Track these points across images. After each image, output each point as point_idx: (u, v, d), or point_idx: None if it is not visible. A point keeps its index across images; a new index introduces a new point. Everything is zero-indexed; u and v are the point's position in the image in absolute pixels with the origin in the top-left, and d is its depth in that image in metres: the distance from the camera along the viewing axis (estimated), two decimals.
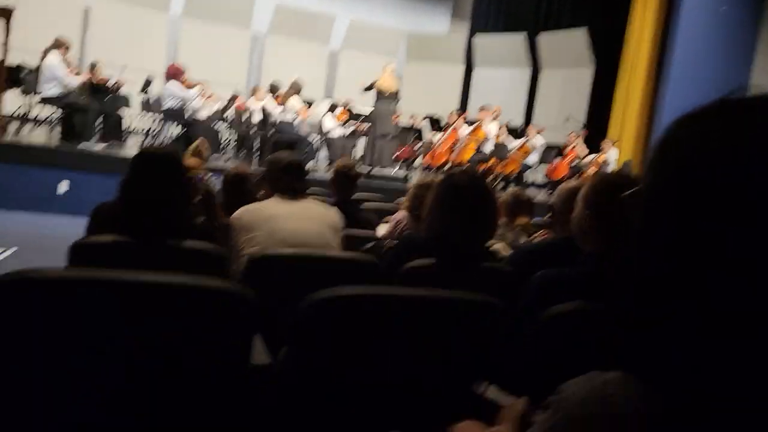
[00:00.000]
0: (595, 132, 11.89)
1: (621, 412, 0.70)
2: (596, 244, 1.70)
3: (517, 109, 14.37)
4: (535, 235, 3.09)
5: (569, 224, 2.26)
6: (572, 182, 2.65)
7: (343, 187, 3.88)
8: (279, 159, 2.78)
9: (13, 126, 8.63)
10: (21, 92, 9.15)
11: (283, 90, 9.74)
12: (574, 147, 11.33)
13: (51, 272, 1.28)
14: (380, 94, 9.17)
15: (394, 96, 9.31)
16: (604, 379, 0.73)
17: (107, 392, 1.40)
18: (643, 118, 11.76)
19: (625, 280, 0.72)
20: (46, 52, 7.98)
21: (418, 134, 11.69)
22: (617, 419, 0.70)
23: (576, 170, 11.19)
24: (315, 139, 10.29)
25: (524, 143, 10.88)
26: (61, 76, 7.91)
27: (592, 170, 10.89)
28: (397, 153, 11.22)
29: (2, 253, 5.30)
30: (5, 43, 8.25)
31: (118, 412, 1.42)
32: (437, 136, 11.57)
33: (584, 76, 13.52)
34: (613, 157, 11.05)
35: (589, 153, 11.36)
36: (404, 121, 11.35)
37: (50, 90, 7.99)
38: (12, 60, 8.50)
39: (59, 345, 1.32)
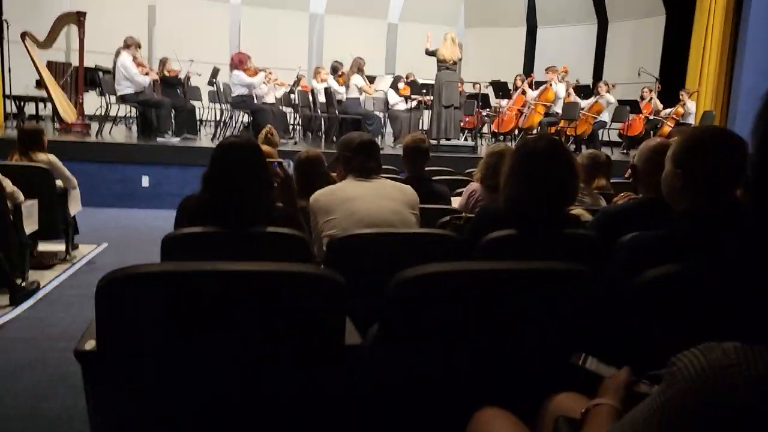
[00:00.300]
0: (670, 84, 11.34)
1: (743, 383, 0.67)
2: (690, 203, 1.62)
3: (586, 67, 13.88)
4: (618, 197, 2.98)
5: (655, 184, 2.18)
6: (654, 140, 2.54)
7: (414, 162, 3.87)
8: (351, 139, 2.79)
9: (94, 126, 9.04)
10: (98, 93, 9.57)
11: (345, 69, 9.76)
12: (648, 102, 10.86)
13: (153, 267, 1.35)
14: (442, 64, 9.04)
15: (456, 65, 9.15)
16: (723, 349, 0.70)
17: (210, 376, 1.46)
18: (723, 66, 11.08)
19: (740, 240, 0.69)
20: (118, 53, 8.27)
21: (483, 101, 11.49)
22: (739, 390, 0.67)
23: (653, 125, 10.74)
24: (380, 115, 10.29)
25: (595, 102, 10.51)
26: (132, 75, 8.20)
27: (670, 124, 10.43)
28: (464, 122, 11.07)
29: (95, 249, 5.60)
30: (81, 48, 8.64)
31: (222, 396, 1.48)
32: (503, 102, 11.34)
33: (656, 26, 12.88)
34: (692, 109, 10.52)
35: (665, 107, 10.86)
36: (468, 89, 11.16)
37: (125, 89, 8.30)
38: (87, 63, 8.90)
39: (165, 333, 1.39)
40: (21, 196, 4.36)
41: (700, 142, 1.63)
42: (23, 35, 8.74)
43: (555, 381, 1.38)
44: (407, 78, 10.82)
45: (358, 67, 9.58)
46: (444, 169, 6.10)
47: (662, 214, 1.84)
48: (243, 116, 10.21)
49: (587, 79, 12.84)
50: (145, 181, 7.67)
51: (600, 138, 10.71)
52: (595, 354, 1.33)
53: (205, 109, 11.24)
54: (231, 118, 10.26)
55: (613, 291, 1.65)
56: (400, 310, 1.50)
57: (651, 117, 10.75)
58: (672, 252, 1.57)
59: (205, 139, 9.36)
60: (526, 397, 1.35)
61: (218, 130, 9.82)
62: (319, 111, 10.10)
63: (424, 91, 10.02)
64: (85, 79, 9.04)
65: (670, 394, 0.73)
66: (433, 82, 9.38)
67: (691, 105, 10.53)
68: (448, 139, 9.32)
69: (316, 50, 14.97)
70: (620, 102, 10.88)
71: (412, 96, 10.26)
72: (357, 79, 9.50)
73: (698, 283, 1.41)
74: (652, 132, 10.58)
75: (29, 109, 9.96)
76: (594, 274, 1.62)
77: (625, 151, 10.76)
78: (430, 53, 9.11)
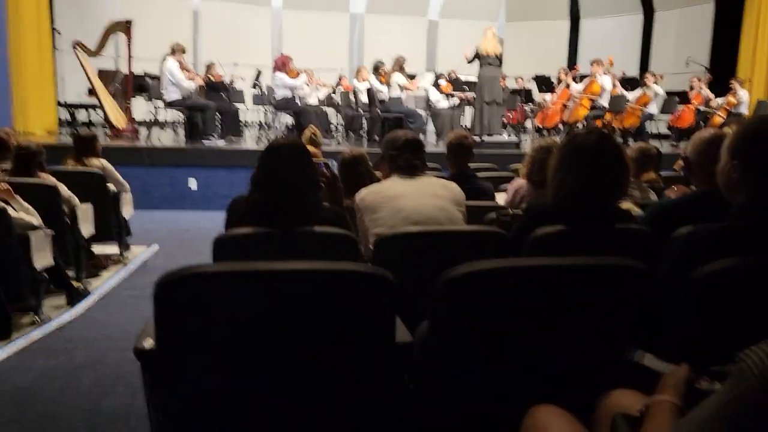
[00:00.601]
0: (721, 74, 10.98)
1: None
2: (748, 195, 1.58)
3: (632, 58, 13.58)
4: (671, 190, 2.91)
5: (710, 176, 2.12)
6: (707, 130, 2.47)
7: (459, 159, 3.85)
8: (396, 137, 2.79)
9: (143, 131, 9.29)
10: (146, 99, 9.83)
11: (386, 67, 9.78)
12: (698, 92, 10.55)
13: (209, 267, 1.38)
14: (484, 60, 8.96)
15: (498, 60, 9.06)
16: None
17: (264, 373, 1.49)
18: None
19: None
20: (164, 59, 8.47)
21: (526, 96, 11.35)
22: None
23: (703, 116, 10.43)
24: (422, 113, 10.27)
25: (642, 93, 10.27)
26: (178, 80, 8.38)
27: (721, 115, 10.10)
28: (507, 118, 10.96)
29: (147, 250, 5.75)
30: (129, 56, 8.88)
31: (275, 393, 1.51)
32: (547, 96, 11.18)
33: (704, 14, 12.52)
34: (744, 98, 10.17)
35: (716, 96, 10.52)
36: (511, 84, 11.04)
37: (171, 94, 8.50)
38: (135, 69, 9.15)
39: (221, 331, 1.42)
40: (76, 200, 4.52)
41: (758, 132, 1.57)
42: (74, 44, 9.04)
43: (610, 377, 1.36)
44: (449, 75, 10.77)
45: (399, 65, 9.59)
46: (487, 165, 6.05)
47: (717, 207, 1.79)
48: (286, 118, 10.34)
49: (633, 71, 12.56)
50: (193, 184, 7.84)
51: (648, 130, 10.46)
52: (651, 350, 1.31)
53: (248, 111, 11.42)
54: (274, 119, 10.40)
55: (669, 285, 1.62)
56: (450, 308, 1.49)
57: (701, 108, 10.43)
58: (730, 245, 1.53)
59: (249, 140, 9.51)
60: (581, 394, 1.33)
61: (262, 132, 9.96)
62: (360, 110, 10.14)
63: (466, 88, 9.96)
64: (134, 85, 9.29)
65: (740, 390, 0.72)
66: (474, 78, 9.31)
67: (743, 94, 10.18)
68: (491, 135, 9.24)
69: (357, 50, 15.04)
70: (668, 93, 10.60)
71: (454, 93, 10.20)
72: (398, 78, 9.50)
73: (759, 277, 1.37)
74: (702, 123, 10.27)
75: (81, 116, 10.29)
76: (650, 270, 1.59)
77: (674, 143, 10.49)
78: (472, 60, 9.03)
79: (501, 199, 3.74)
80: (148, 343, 1.53)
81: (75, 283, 4.33)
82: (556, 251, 2.02)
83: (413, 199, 2.60)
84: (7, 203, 3.63)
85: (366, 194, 2.66)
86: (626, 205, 2.97)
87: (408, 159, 2.71)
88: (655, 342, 1.47)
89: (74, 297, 4.18)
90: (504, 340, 1.49)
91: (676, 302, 1.53)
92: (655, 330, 1.57)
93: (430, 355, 1.57)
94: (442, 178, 3.12)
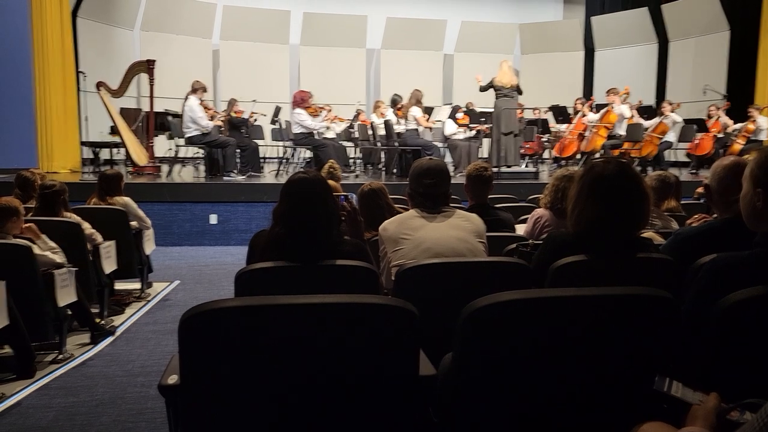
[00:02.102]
0: (739, 101, 10.95)
1: None
2: None
3: (648, 87, 13.61)
4: (692, 219, 2.89)
5: (731, 204, 2.11)
6: (727, 158, 2.45)
7: (478, 190, 3.85)
8: (418, 166, 2.80)
9: (164, 168, 9.44)
10: (168, 137, 10.01)
11: (403, 101, 9.89)
12: (716, 120, 10.51)
13: (232, 302, 1.39)
14: (500, 91, 9.03)
15: (515, 91, 9.12)
16: None
17: (288, 407, 1.48)
18: None
19: None
20: (186, 97, 8.65)
21: (543, 127, 11.38)
22: None
23: (722, 144, 10.37)
24: (439, 145, 10.33)
25: (660, 122, 10.25)
26: (197, 119, 8.53)
27: (741, 142, 10.04)
28: (524, 149, 10.98)
29: (168, 286, 5.80)
30: (151, 94, 9.08)
31: (299, 427, 1.50)
32: (563, 127, 11.20)
33: (720, 42, 12.54)
34: (763, 125, 10.10)
35: (735, 123, 10.48)
36: (528, 115, 11.08)
37: (192, 131, 8.65)
38: (156, 107, 9.34)
39: (246, 365, 1.42)
40: (99, 238, 4.58)
41: None
42: (98, 85, 9.27)
43: (639, 409, 1.34)
44: (466, 107, 10.85)
45: (416, 99, 9.69)
46: (506, 196, 6.05)
47: (740, 236, 1.77)
48: (305, 152, 10.45)
49: (650, 100, 12.56)
50: (214, 219, 7.92)
51: (666, 158, 10.41)
52: (680, 379, 1.29)
53: (268, 147, 11.58)
54: (293, 154, 10.51)
55: (695, 314, 1.60)
56: (473, 340, 1.49)
57: (720, 135, 10.38)
58: (755, 274, 1.51)
59: (269, 176, 9.62)
60: (609, 427, 1.31)
61: (281, 167, 10.07)
62: (378, 144, 10.23)
63: (483, 119, 10.02)
64: (156, 123, 9.48)
65: None
66: (491, 110, 9.37)
67: (762, 121, 10.12)
68: (509, 167, 9.25)
69: (374, 84, 15.25)
70: (686, 121, 10.57)
71: (471, 125, 10.26)
72: (415, 111, 9.59)
73: None
74: (722, 151, 10.21)
75: (104, 154, 10.49)
76: (674, 298, 1.58)
77: (693, 171, 10.42)
78: (485, 88, 9.11)
79: (521, 229, 3.74)
80: (172, 379, 1.54)
81: (98, 321, 4.37)
82: (578, 281, 2.01)
83: (435, 231, 2.61)
84: (33, 242, 3.70)
85: (388, 225, 2.68)
86: (648, 233, 2.96)
87: (429, 189, 2.71)
88: (683, 371, 1.45)
89: (98, 335, 4.21)
90: (529, 372, 1.48)
91: (702, 331, 1.51)
92: (682, 359, 1.55)
93: (454, 389, 1.56)
94: (462, 209, 3.13)
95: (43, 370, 3.65)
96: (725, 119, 10.51)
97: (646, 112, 10.76)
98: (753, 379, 1.40)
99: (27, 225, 3.78)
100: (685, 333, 1.60)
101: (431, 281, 2.23)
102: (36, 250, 3.66)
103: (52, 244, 3.85)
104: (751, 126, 10.08)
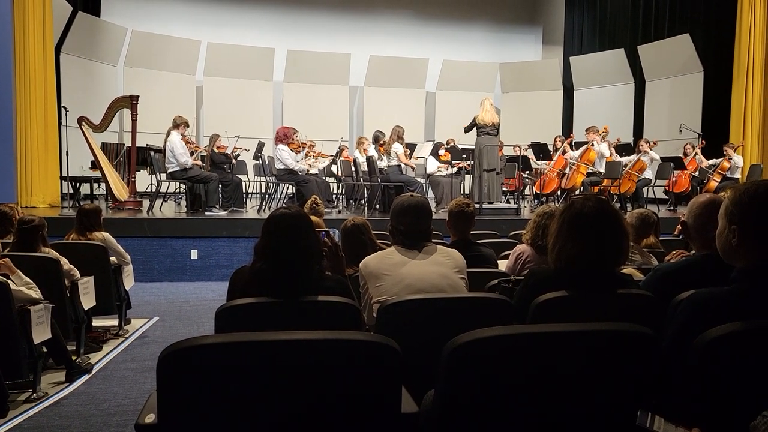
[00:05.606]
0: (714, 140, 11.23)
1: None
2: (748, 260, 1.59)
3: (626, 126, 13.89)
4: (671, 255, 2.92)
5: (708, 240, 2.14)
6: (704, 195, 2.50)
7: (460, 226, 3.88)
8: (399, 203, 2.81)
9: (145, 203, 9.37)
10: (149, 172, 9.96)
11: (386, 138, 9.97)
12: (693, 158, 10.75)
13: (212, 339, 1.38)
14: (482, 128, 9.16)
15: (496, 128, 9.26)
16: None
17: None
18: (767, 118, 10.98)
19: None
20: (168, 132, 8.64)
21: (524, 164, 11.52)
22: None
23: (698, 181, 10.59)
24: (421, 181, 10.40)
25: (638, 159, 10.44)
26: (178, 155, 8.52)
27: (716, 179, 10.25)
28: (505, 185, 11.09)
29: (147, 323, 5.70)
30: (134, 130, 9.07)
31: None
32: (544, 164, 11.36)
33: (694, 83, 12.89)
34: (739, 163, 10.35)
35: (709, 160, 10.73)
36: (508, 152, 11.23)
37: (174, 167, 8.62)
38: (139, 142, 9.31)
39: (225, 404, 1.40)
40: (77, 274, 4.52)
41: (754, 198, 1.60)
42: (80, 120, 9.24)
43: None
44: (448, 144, 10.97)
45: (397, 134, 9.78)
46: (488, 232, 6.09)
47: (718, 271, 1.80)
48: (287, 188, 10.45)
49: (627, 138, 12.80)
50: (194, 254, 7.85)
51: (645, 195, 10.58)
52: (661, 414, 1.29)
53: (250, 182, 11.57)
54: (276, 190, 10.51)
55: (675, 349, 1.61)
56: (456, 376, 1.48)
57: (695, 174, 10.61)
58: (733, 310, 1.53)
59: (251, 211, 9.59)
60: None
61: (263, 202, 10.05)
62: (361, 180, 10.29)
63: (464, 156, 10.13)
64: (138, 158, 9.43)
65: None
66: (473, 146, 9.49)
67: (738, 159, 10.37)
68: (491, 203, 9.32)
69: (357, 120, 15.40)
70: (663, 159, 10.78)
71: (453, 162, 10.36)
72: (397, 147, 9.67)
73: (765, 342, 1.36)
74: (699, 188, 10.41)
75: (84, 189, 10.41)
76: (654, 334, 1.59)
77: (672, 207, 10.58)
78: (469, 128, 9.24)
79: (503, 265, 3.75)
80: (150, 418, 1.51)
81: (75, 358, 4.28)
82: (559, 317, 2.01)
83: (416, 267, 2.61)
84: (7, 277, 3.64)
85: (369, 261, 2.67)
86: (628, 269, 2.99)
87: (410, 227, 2.72)
88: (665, 407, 1.46)
89: (74, 372, 4.11)
90: (512, 408, 1.47)
91: (682, 366, 1.52)
92: (663, 394, 1.55)
93: (437, 426, 1.54)
94: (444, 245, 3.14)
95: (16, 409, 3.55)
96: (701, 157, 10.75)
97: (624, 149, 10.97)
98: (733, 415, 1.40)
99: (1, 261, 3.72)
100: (665, 368, 1.61)
101: (413, 317, 2.22)
102: (11, 285, 3.59)
103: (27, 279, 3.78)
104: (725, 164, 10.31)
